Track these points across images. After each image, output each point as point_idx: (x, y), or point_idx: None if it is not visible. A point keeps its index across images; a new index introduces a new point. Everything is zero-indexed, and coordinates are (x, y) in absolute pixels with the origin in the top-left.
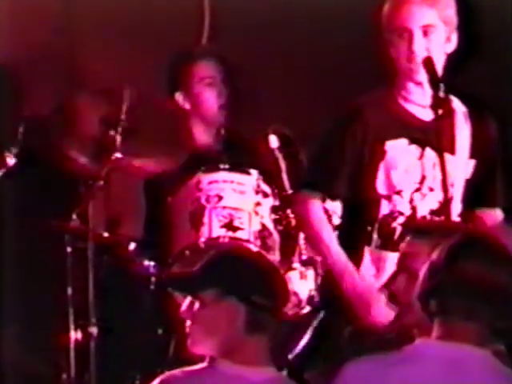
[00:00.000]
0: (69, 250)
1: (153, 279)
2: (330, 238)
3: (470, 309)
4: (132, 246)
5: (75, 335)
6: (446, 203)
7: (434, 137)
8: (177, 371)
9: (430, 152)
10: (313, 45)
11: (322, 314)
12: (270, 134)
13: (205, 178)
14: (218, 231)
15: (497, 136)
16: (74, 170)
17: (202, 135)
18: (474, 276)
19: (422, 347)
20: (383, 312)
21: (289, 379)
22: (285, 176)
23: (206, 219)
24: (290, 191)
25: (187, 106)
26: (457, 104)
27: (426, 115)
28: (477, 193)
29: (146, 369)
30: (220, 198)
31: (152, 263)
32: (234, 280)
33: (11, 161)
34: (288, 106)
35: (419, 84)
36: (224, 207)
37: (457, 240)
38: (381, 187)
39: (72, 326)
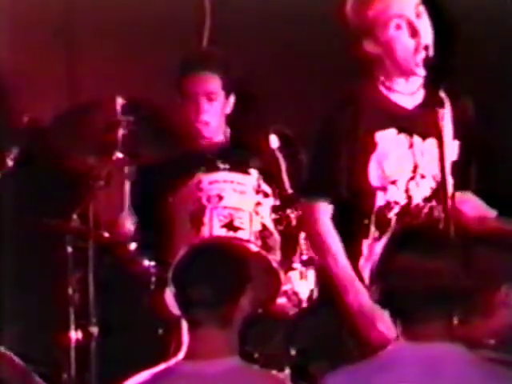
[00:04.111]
0: (69, 249)
1: (153, 279)
2: (338, 251)
3: (425, 305)
4: (133, 246)
5: (75, 335)
6: (443, 188)
7: (419, 122)
8: (139, 375)
9: (417, 139)
10: (313, 45)
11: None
12: (270, 133)
13: (205, 178)
14: (219, 231)
15: (473, 118)
16: (80, 169)
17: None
18: (415, 268)
19: (396, 351)
20: (389, 328)
21: (249, 367)
22: (285, 176)
23: (206, 219)
24: (290, 191)
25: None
26: (443, 94)
27: (409, 103)
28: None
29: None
30: (220, 197)
31: (152, 263)
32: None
33: (11, 160)
34: (288, 106)
35: (404, 74)
36: (224, 207)
37: (393, 234)
38: (374, 179)
39: (72, 326)
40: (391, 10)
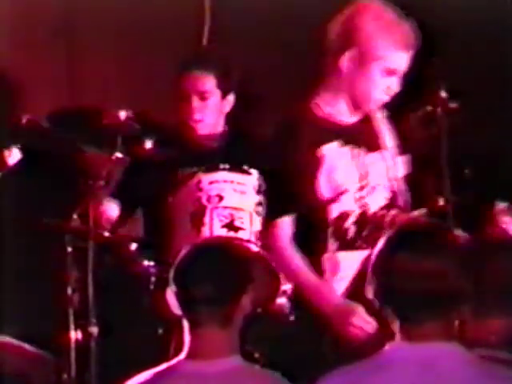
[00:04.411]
0: (69, 249)
1: (153, 279)
2: (300, 262)
3: (421, 306)
4: (133, 246)
5: (75, 335)
6: (394, 198)
7: (361, 136)
8: (141, 375)
9: (361, 151)
10: (313, 45)
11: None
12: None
13: (205, 178)
14: (219, 231)
15: (421, 135)
16: (80, 168)
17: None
18: (412, 269)
19: (392, 352)
20: (366, 322)
21: (250, 366)
22: None
23: (206, 219)
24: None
25: None
26: (375, 111)
27: (348, 120)
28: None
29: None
30: (221, 197)
31: (152, 263)
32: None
33: (11, 160)
34: (288, 106)
35: (340, 96)
36: (225, 207)
37: (392, 233)
38: (326, 192)
39: (72, 326)
40: (386, 54)
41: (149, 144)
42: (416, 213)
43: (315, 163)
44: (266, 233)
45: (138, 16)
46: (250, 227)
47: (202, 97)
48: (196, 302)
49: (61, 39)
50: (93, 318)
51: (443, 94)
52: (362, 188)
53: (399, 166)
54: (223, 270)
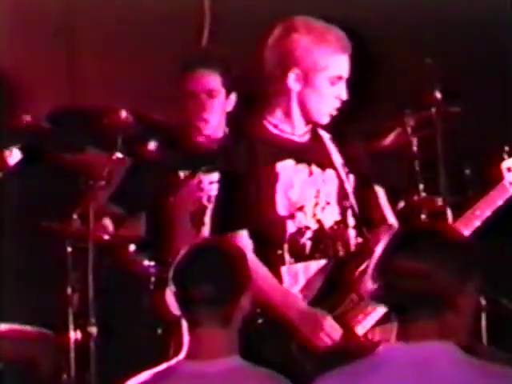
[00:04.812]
0: (69, 250)
1: (153, 279)
2: (264, 272)
3: (417, 306)
4: (132, 246)
5: (75, 335)
6: (345, 213)
7: (314, 155)
8: (141, 375)
9: (316, 169)
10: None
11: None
12: None
13: (206, 178)
14: None
15: (363, 155)
16: (80, 168)
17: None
18: (409, 269)
19: (387, 352)
20: (333, 331)
21: (249, 366)
22: None
23: (207, 219)
24: None
25: None
26: (321, 131)
27: (300, 138)
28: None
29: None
30: None
31: (152, 263)
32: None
33: (12, 160)
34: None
35: (291, 113)
36: None
37: (393, 234)
38: (281, 208)
39: (72, 326)
40: (328, 62)
41: (151, 145)
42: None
43: (273, 178)
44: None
45: (137, 16)
46: None
47: (210, 95)
48: (195, 302)
49: (61, 39)
50: (92, 318)
51: (438, 95)
52: (317, 204)
53: (349, 183)
54: (222, 270)
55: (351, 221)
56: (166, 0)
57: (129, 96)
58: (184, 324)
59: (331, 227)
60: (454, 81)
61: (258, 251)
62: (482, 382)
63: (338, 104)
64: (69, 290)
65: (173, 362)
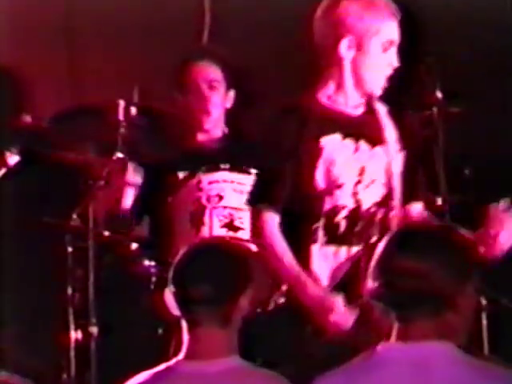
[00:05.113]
0: (69, 249)
1: (153, 279)
2: (285, 252)
3: (416, 305)
4: (134, 245)
5: (75, 335)
6: (388, 195)
7: (365, 130)
8: (141, 375)
9: (364, 145)
10: (313, 45)
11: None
12: None
13: (205, 178)
14: (219, 231)
15: (420, 131)
16: (80, 168)
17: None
18: (409, 268)
19: (385, 352)
20: (344, 316)
21: (249, 366)
22: None
23: (206, 219)
24: None
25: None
26: (378, 104)
27: (353, 111)
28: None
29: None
30: (220, 197)
31: (152, 263)
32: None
33: (12, 160)
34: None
35: (344, 85)
36: (225, 207)
37: (393, 233)
38: (321, 183)
39: (72, 326)
40: (379, 27)
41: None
42: (414, 208)
43: (316, 153)
44: (254, 220)
45: (138, 16)
46: (249, 227)
47: (211, 85)
48: (194, 302)
49: (61, 39)
50: (93, 318)
51: (439, 95)
52: (359, 182)
53: (398, 163)
54: (222, 270)
55: (391, 203)
56: (166, 0)
57: (129, 96)
58: (183, 324)
59: (369, 209)
60: (454, 81)
61: (290, 226)
62: (481, 383)
63: (390, 71)
64: (69, 290)
65: (172, 362)
